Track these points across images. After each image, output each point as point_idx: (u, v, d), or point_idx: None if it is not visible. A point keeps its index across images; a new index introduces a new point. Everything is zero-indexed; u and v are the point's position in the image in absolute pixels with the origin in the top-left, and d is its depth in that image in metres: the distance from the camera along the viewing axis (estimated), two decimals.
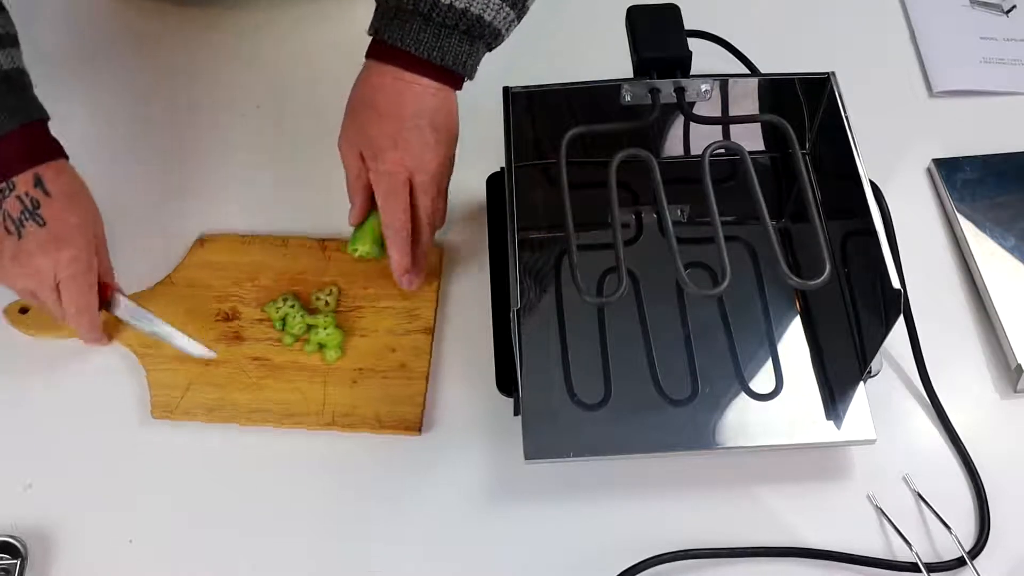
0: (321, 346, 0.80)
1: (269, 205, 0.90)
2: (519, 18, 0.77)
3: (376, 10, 0.76)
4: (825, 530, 0.73)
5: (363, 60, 0.77)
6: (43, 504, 0.76)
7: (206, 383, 0.79)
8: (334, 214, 0.83)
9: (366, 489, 0.76)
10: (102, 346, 0.81)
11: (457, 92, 0.77)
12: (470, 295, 0.84)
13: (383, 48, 0.75)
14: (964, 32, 1.00)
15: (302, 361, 0.80)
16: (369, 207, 0.79)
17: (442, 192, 0.80)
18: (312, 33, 1.01)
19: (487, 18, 0.74)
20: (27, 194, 0.73)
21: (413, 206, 0.78)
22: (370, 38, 0.76)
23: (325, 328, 0.81)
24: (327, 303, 0.82)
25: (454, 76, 0.76)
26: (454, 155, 0.79)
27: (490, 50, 0.77)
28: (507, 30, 0.76)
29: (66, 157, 0.77)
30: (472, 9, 0.73)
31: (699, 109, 0.78)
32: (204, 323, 0.82)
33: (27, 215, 0.73)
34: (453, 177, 0.89)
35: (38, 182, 0.74)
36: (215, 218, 0.88)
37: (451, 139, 0.78)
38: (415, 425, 0.77)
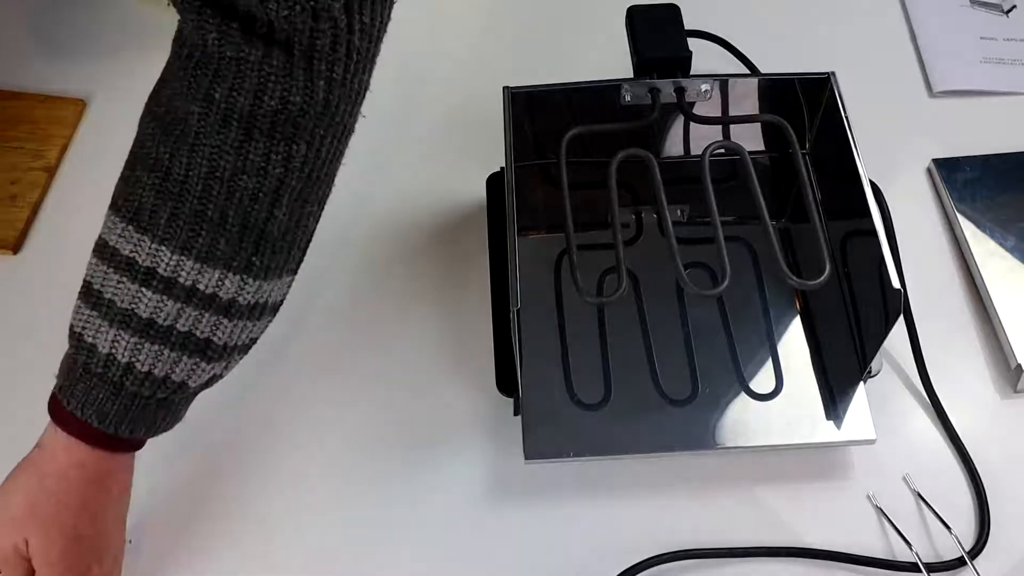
0: None
1: None
2: (241, 353, 0.64)
3: (63, 363, 0.63)
4: (825, 530, 0.73)
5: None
6: None
7: None
8: None
9: (366, 489, 0.76)
10: None
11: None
12: (470, 295, 0.84)
13: (61, 411, 0.62)
14: (964, 32, 1.00)
15: None
16: None
17: None
18: None
19: (191, 384, 0.62)
20: None
21: None
22: None
23: None
24: None
25: (134, 444, 0.64)
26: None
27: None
28: (224, 373, 0.64)
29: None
30: (173, 377, 0.60)
31: (699, 109, 0.78)
32: None
33: None
34: (453, 177, 0.90)
35: None
36: None
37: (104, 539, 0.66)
38: (9, 244, 0.87)
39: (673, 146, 0.85)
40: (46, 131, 0.92)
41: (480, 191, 0.85)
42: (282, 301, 0.65)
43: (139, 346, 0.59)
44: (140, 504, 0.71)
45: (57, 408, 0.62)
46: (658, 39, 0.76)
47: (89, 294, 0.60)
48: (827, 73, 0.78)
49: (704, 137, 0.78)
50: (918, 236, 0.85)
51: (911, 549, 0.72)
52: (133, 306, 0.58)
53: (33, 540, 0.63)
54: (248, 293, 0.59)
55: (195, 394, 0.64)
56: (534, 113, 0.79)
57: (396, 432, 0.78)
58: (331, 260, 0.86)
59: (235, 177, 0.57)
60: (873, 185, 0.75)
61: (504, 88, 0.77)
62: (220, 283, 0.58)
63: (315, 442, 0.78)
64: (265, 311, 0.63)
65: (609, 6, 0.81)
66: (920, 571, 0.71)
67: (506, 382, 0.75)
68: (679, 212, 0.85)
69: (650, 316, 0.80)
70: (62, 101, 0.95)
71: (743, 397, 0.75)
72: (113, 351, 0.59)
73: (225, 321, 0.60)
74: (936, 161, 0.90)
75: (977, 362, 0.81)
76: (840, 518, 0.74)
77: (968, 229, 0.85)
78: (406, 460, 0.76)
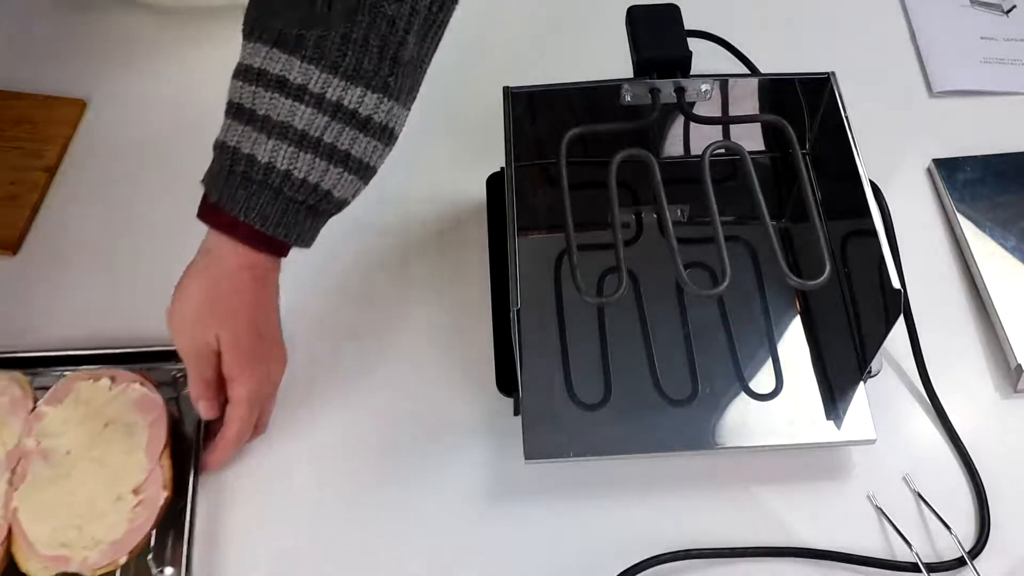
0: None
1: None
2: (367, 178, 0.70)
3: (212, 168, 0.68)
4: (825, 530, 0.73)
5: None
6: None
7: None
8: None
9: (366, 489, 0.76)
10: None
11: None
12: (470, 295, 0.84)
13: (223, 217, 0.67)
14: (964, 32, 1.00)
15: None
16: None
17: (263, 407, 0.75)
18: None
19: (335, 193, 0.68)
20: None
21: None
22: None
23: None
24: None
25: (284, 248, 0.70)
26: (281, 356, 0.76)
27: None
28: (353, 195, 0.70)
29: None
30: (323, 184, 0.66)
31: (699, 109, 0.78)
32: None
33: None
34: (453, 177, 0.90)
35: None
36: None
37: (274, 335, 0.73)
38: (9, 244, 0.87)
39: (673, 146, 0.85)
40: (46, 131, 0.92)
41: (480, 191, 0.85)
42: (397, 137, 0.70)
43: (296, 155, 0.65)
44: None
45: (217, 216, 0.67)
46: (658, 39, 0.76)
47: (240, 112, 0.66)
48: (827, 73, 0.77)
49: (704, 137, 0.78)
50: (918, 236, 0.85)
51: (911, 549, 0.72)
52: (289, 119, 0.65)
53: (224, 334, 0.70)
54: (382, 112, 0.67)
55: (332, 212, 0.70)
56: (534, 113, 0.79)
57: (396, 432, 0.78)
58: (331, 259, 0.86)
59: (377, 3, 0.64)
60: (873, 185, 0.75)
61: (504, 88, 0.77)
62: (361, 100, 0.66)
63: (315, 442, 0.78)
64: (391, 138, 0.69)
65: (609, 6, 0.81)
66: (920, 571, 0.71)
67: (506, 382, 0.75)
68: (679, 212, 0.84)
69: (650, 316, 0.80)
70: (62, 101, 0.95)
71: (743, 397, 0.75)
72: (272, 159, 0.65)
73: (362, 136, 0.67)
74: (936, 161, 0.90)
75: (977, 362, 0.81)
76: (840, 518, 0.74)
77: (968, 229, 0.85)
78: (406, 460, 0.76)
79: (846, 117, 0.75)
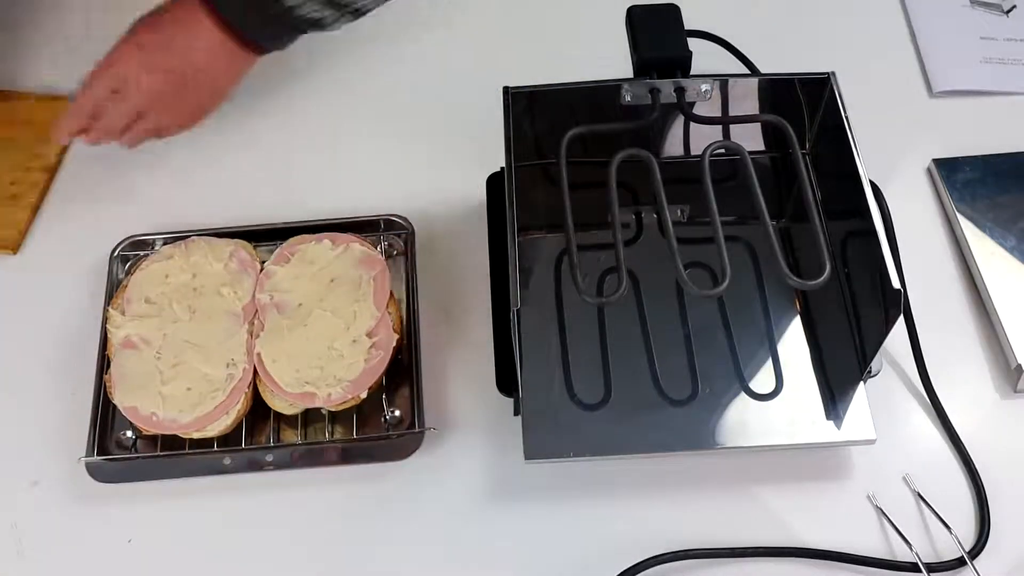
0: None
1: None
2: (343, 13, 0.82)
3: None
4: (825, 530, 0.73)
5: None
6: None
7: None
8: None
9: (366, 489, 0.76)
10: None
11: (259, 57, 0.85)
12: (470, 295, 0.84)
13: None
14: (964, 32, 1.00)
15: None
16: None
17: (148, 123, 0.85)
18: None
19: (287, 2, 0.79)
20: None
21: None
22: None
23: None
24: None
25: (250, 42, 0.82)
26: (196, 109, 0.86)
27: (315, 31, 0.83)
28: (328, 23, 0.82)
29: None
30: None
31: (699, 109, 0.78)
32: None
33: None
34: (451, 177, 0.90)
35: None
36: None
37: (207, 87, 0.85)
38: (11, 245, 0.88)
39: (673, 146, 0.85)
40: (46, 131, 0.92)
41: (480, 191, 0.85)
42: None
43: None
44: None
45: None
46: (658, 39, 0.76)
47: None
48: (827, 73, 0.77)
49: (704, 137, 0.77)
50: (918, 236, 0.85)
51: (911, 549, 0.72)
52: None
53: (159, 58, 0.81)
54: None
55: (301, 29, 0.83)
56: (534, 113, 0.79)
57: None
58: None
59: None
60: (873, 185, 0.75)
61: (504, 88, 0.77)
62: None
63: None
64: None
65: (609, 6, 0.81)
66: (920, 571, 0.71)
67: (506, 382, 0.75)
68: (679, 212, 0.84)
69: (650, 316, 0.80)
70: (62, 101, 0.95)
71: (743, 397, 0.75)
72: None
73: None
74: (936, 161, 0.90)
75: (977, 362, 0.81)
76: (840, 518, 0.74)
77: (968, 229, 0.85)
78: (406, 459, 0.76)
79: (846, 117, 0.75)
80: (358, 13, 0.84)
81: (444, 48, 1.00)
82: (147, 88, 0.83)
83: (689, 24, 0.77)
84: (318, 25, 0.83)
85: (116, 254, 0.86)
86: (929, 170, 0.91)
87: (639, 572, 0.71)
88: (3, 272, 0.88)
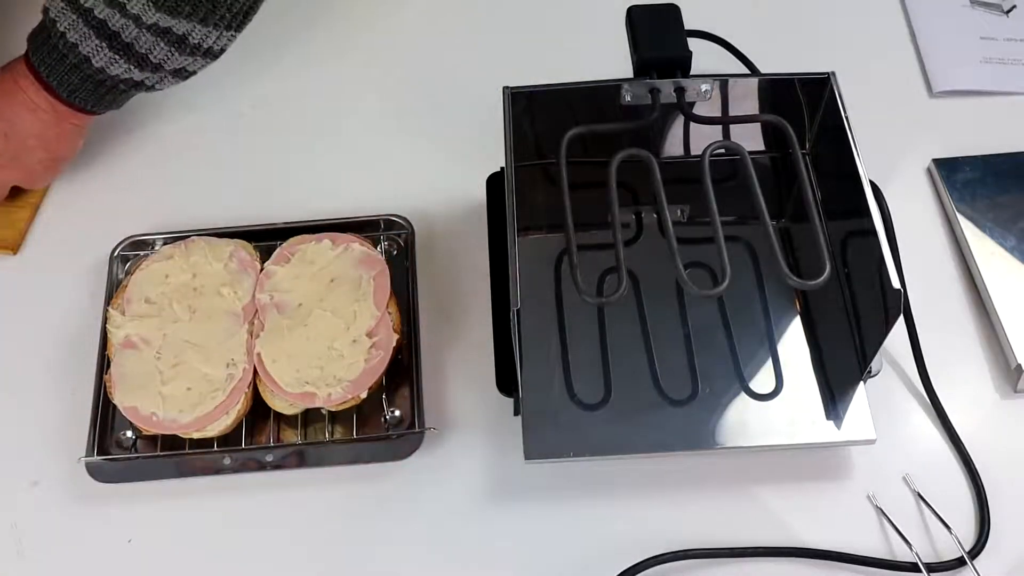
0: None
1: None
2: (165, 73, 0.82)
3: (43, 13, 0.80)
4: (825, 530, 0.73)
5: None
6: None
7: None
8: None
9: (366, 489, 0.76)
10: None
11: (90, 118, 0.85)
12: (470, 295, 0.84)
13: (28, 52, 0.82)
14: (964, 32, 1.00)
15: None
16: None
17: None
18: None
19: (95, 63, 0.79)
20: None
21: None
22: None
23: None
24: None
25: (76, 106, 0.82)
26: (38, 169, 0.87)
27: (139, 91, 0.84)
28: (151, 83, 0.82)
29: None
30: (81, 49, 0.78)
31: (699, 109, 0.78)
32: None
33: None
34: (451, 177, 0.90)
35: None
36: None
37: (38, 154, 0.85)
38: (11, 245, 0.88)
39: (673, 146, 0.85)
40: None
41: (480, 191, 0.85)
42: (210, 49, 0.81)
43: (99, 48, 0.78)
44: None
45: (29, 67, 0.81)
46: (658, 39, 0.76)
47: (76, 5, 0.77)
48: (827, 73, 0.77)
49: (704, 137, 0.78)
50: (918, 236, 0.85)
51: (911, 549, 0.72)
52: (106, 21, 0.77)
53: None
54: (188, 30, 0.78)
55: (126, 90, 0.83)
56: (534, 113, 0.79)
57: None
58: None
59: None
60: (873, 185, 0.75)
61: (504, 88, 0.77)
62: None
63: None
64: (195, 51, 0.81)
65: (609, 6, 0.81)
66: (920, 571, 0.71)
67: (506, 382, 0.75)
68: (679, 212, 0.84)
69: (650, 316, 0.80)
70: None
71: (743, 397, 0.75)
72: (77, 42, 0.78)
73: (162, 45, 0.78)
74: (936, 161, 0.90)
75: (977, 362, 0.81)
76: (840, 518, 0.74)
77: (968, 229, 0.85)
78: (407, 459, 0.76)
79: (846, 117, 0.75)
80: (182, 74, 0.83)
81: (444, 48, 1.00)
82: None
83: (689, 24, 0.77)
84: (139, 86, 0.83)
85: (116, 254, 0.86)
86: (929, 170, 0.91)
87: (639, 572, 0.71)
88: (3, 272, 0.88)
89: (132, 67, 0.80)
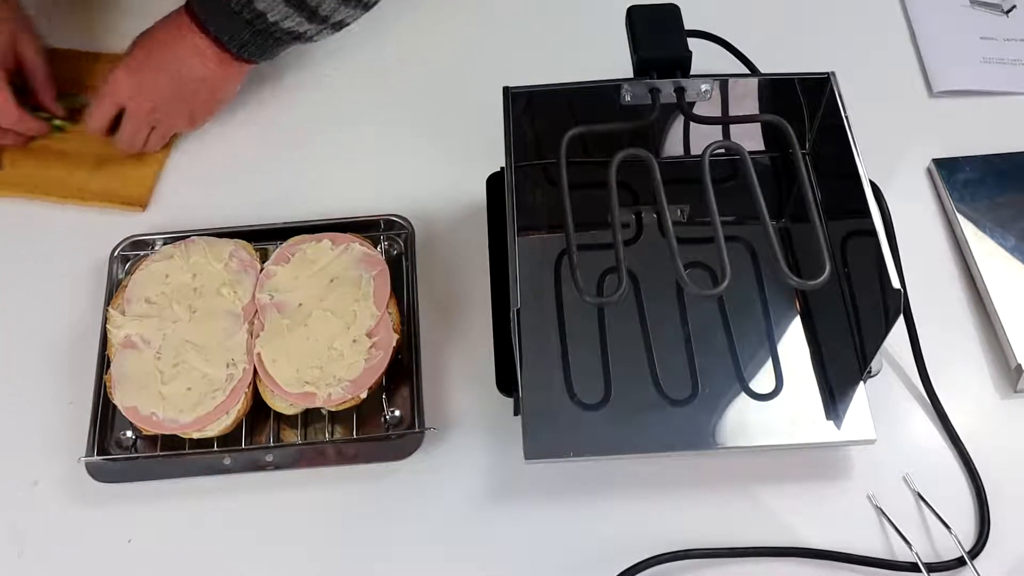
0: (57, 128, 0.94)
1: None
2: (325, 26, 0.86)
3: None
4: (825, 530, 0.73)
5: None
6: None
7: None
8: None
9: (366, 489, 0.76)
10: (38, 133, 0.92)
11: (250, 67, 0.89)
12: (470, 295, 0.84)
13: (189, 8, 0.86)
14: (964, 32, 1.00)
15: (56, 146, 0.93)
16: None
17: (155, 131, 0.90)
18: None
19: (270, 17, 0.83)
20: None
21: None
22: None
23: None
24: (78, 101, 0.94)
25: (238, 55, 0.86)
26: (198, 115, 0.91)
27: (300, 43, 0.88)
28: (311, 35, 0.87)
29: None
30: (257, 4, 0.82)
31: (699, 109, 0.78)
32: None
33: None
34: (452, 177, 0.90)
35: None
36: None
37: (199, 97, 0.89)
38: (140, 202, 0.90)
39: (673, 146, 0.85)
40: None
41: (480, 191, 0.85)
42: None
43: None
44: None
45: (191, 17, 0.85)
46: (658, 39, 0.76)
47: None
48: (827, 73, 0.77)
49: (704, 137, 0.77)
50: (918, 236, 0.85)
51: (911, 549, 0.72)
52: None
53: (162, 77, 0.87)
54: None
55: (285, 41, 0.87)
56: (534, 113, 0.79)
57: None
58: None
59: None
60: (873, 185, 0.75)
61: (504, 88, 0.77)
62: None
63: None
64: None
65: (609, 6, 0.81)
66: (920, 571, 0.71)
67: (506, 382, 0.75)
68: (679, 212, 0.84)
69: (650, 316, 0.80)
70: None
71: (743, 397, 0.75)
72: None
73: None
74: (936, 161, 0.90)
75: (977, 362, 0.81)
76: (840, 518, 0.74)
77: (968, 229, 0.85)
78: (407, 459, 0.76)
79: (846, 117, 0.75)
80: (340, 26, 0.87)
81: (444, 48, 1.00)
82: (146, 109, 0.88)
83: (689, 24, 0.77)
84: (301, 38, 0.86)
85: (116, 254, 0.86)
86: (929, 170, 0.91)
87: (639, 572, 0.71)
88: (3, 272, 0.88)
89: (303, 20, 0.84)
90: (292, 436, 0.78)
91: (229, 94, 0.92)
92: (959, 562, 0.71)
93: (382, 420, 0.78)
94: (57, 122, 0.93)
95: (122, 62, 0.87)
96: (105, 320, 0.81)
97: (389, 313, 0.79)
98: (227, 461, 0.76)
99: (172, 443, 0.77)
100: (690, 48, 0.76)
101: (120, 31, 0.95)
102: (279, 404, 0.77)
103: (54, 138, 0.93)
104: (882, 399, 0.77)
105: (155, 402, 0.76)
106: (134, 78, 0.87)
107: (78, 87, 0.96)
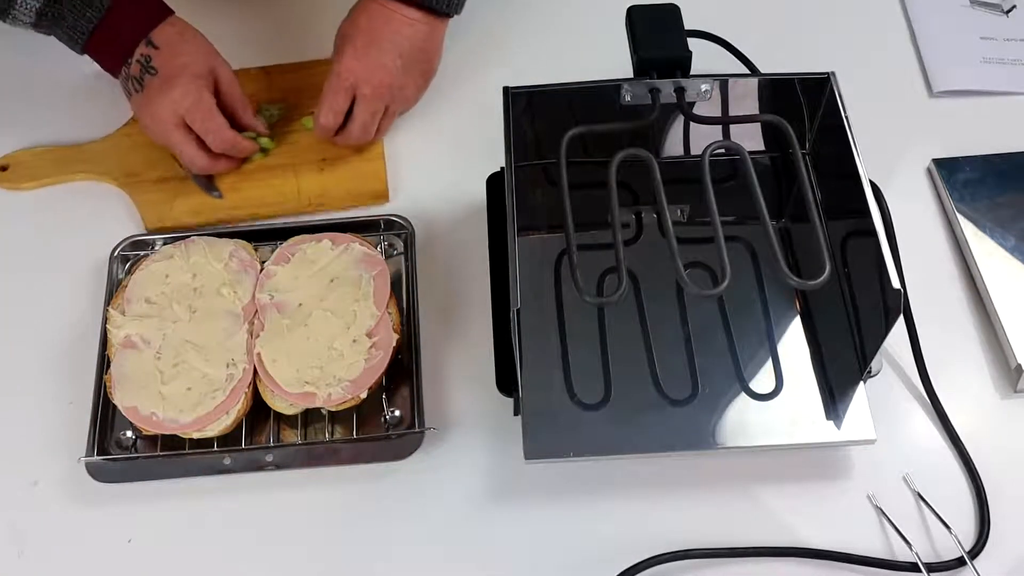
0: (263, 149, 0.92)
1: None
2: None
3: None
4: (825, 530, 0.73)
5: None
6: None
7: (188, 195, 0.90)
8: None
9: (366, 489, 0.76)
10: (251, 153, 0.91)
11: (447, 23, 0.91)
12: (470, 295, 0.84)
13: None
14: (964, 32, 1.00)
15: (268, 163, 0.91)
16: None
17: (387, 112, 0.90)
18: None
19: None
20: (141, 54, 0.85)
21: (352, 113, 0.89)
22: None
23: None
24: (273, 115, 0.94)
25: (434, 10, 0.88)
26: (421, 84, 0.92)
27: None
28: None
29: (171, 12, 0.87)
30: None
31: (699, 109, 0.78)
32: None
33: (142, 71, 0.85)
34: (453, 177, 0.90)
35: (148, 42, 0.85)
36: None
37: (420, 66, 0.91)
38: (383, 195, 0.89)
39: (673, 146, 0.85)
40: None
41: (480, 191, 0.85)
42: None
43: None
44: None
45: None
46: (658, 39, 0.76)
47: None
48: (827, 73, 0.77)
49: (704, 137, 0.78)
50: (918, 236, 0.85)
51: (911, 549, 0.72)
52: None
53: (386, 57, 0.88)
54: None
55: None
56: (534, 113, 0.79)
57: None
58: None
59: None
60: (873, 185, 0.75)
61: (504, 88, 0.77)
62: None
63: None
64: None
65: (609, 6, 0.81)
66: (920, 571, 0.71)
67: (506, 382, 0.75)
68: (679, 212, 0.84)
69: (650, 316, 0.80)
70: None
71: (743, 397, 0.75)
72: None
73: None
74: (936, 161, 0.90)
75: (977, 362, 0.81)
76: (840, 518, 0.74)
77: (968, 229, 0.85)
78: (407, 459, 0.76)
79: (846, 117, 0.75)
80: None
81: (444, 48, 1.00)
82: (382, 90, 0.88)
83: (689, 24, 0.77)
84: None
85: (116, 254, 0.86)
86: (929, 170, 0.91)
87: (639, 572, 0.71)
88: (3, 272, 0.88)
89: None
90: (292, 436, 0.78)
91: (437, 62, 0.94)
92: (959, 562, 0.71)
93: (382, 420, 0.78)
94: (263, 140, 0.91)
95: (343, 53, 0.87)
96: (105, 320, 0.81)
97: (389, 313, 0.79)
98: (227, 461, 0.76)
99: (172, 443, 0.77)
100: (690, 48, 0.76)
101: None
102: (279, 404, 0.77)
103: (260, 157, 0.92)
104: (882, 399, 0.77)
105: (155, 402, 0.76)
106: (362, 62, 0.87)
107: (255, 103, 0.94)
